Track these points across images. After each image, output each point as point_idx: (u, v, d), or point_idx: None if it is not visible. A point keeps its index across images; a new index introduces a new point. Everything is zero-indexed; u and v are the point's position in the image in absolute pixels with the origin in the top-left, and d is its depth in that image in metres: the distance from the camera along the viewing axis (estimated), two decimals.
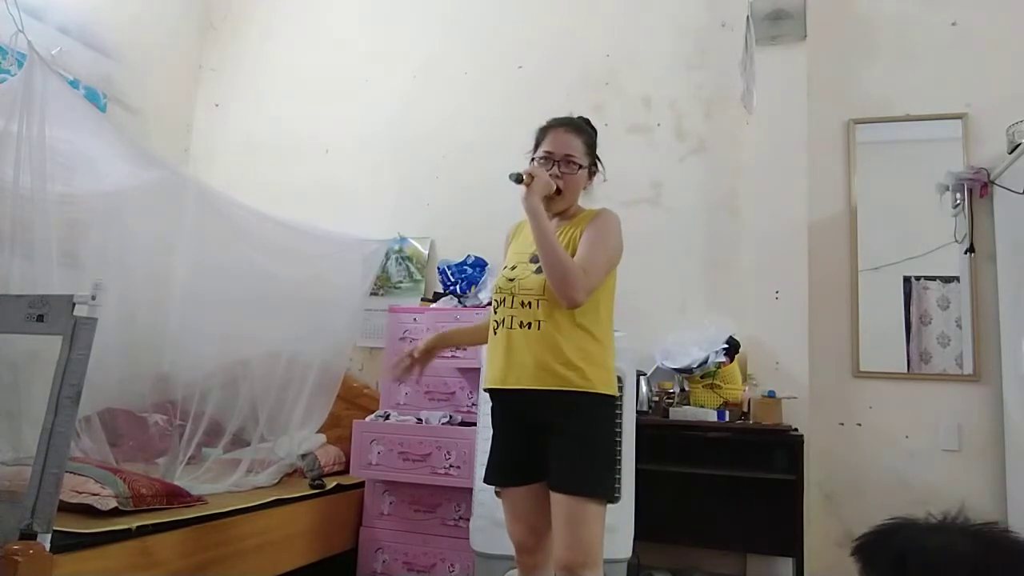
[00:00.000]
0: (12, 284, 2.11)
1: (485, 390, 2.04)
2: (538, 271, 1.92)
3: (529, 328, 1.89)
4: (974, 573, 0.80)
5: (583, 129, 2.06)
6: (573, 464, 1.85)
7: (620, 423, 2.55)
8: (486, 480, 2.06)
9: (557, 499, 1.84)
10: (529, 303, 1.91)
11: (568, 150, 1.99)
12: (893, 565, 0.85)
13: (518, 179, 1.90)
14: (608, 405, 1.94)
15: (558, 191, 1.96)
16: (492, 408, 2.06)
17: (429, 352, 2.18)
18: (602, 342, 1.94)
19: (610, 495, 1.90)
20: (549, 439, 1.89)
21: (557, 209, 2.00)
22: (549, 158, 1.99)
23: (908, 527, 0.87)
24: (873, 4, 3.42)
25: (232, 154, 4.23)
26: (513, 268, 2.00)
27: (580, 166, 2.01)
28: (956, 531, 0.85)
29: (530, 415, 1.92)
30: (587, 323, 1.90)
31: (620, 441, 2.54)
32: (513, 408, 1.96)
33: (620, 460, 2.54)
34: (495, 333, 1.98)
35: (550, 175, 1.95)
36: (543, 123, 2.08)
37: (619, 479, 2.53)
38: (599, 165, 2.09)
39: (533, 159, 2.03)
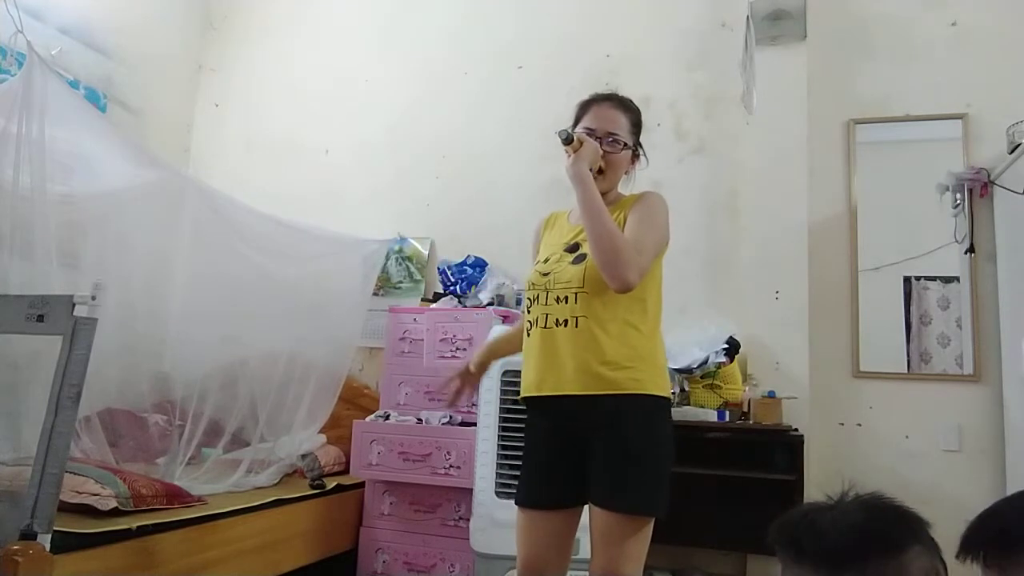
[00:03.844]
0: (12, 284, 2.11)
1: (521, 399, 1.84)
2: (575, 261, 1.75)
3: (566, 326, 1.69)
4: (862, 541, 0.84)
5: (629, 106, 1.87)
6: (618, 479, 1.65)
7: None
8: (519, 501, 1.80)
9: (599, 515, 1.66)
10: (566, 298, 1.71)
11: (612, 127, 1.80)
12: (793, 549, 0.89)
13: (567, 139, 1.72)
14: (663, 408, 1.74)
15: (599, 170, 1.77)
16: (528, 420, 1.88)
17: (481, 368, 2.00)
18: (651, 338, 1.75)
19: (660, 510, 1.67)
20: (592, 452, 1.69)
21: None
22: (591, 135, 1.78)
23: (802, 511, 0.92)
24: (873, 4, 3.42)
25: (232, 154, 4.23)
26: (546, 261, 1.81)
27: (625, 145, 1.82)
28: (847, 506, 0.89)
29: (570, 426, 1.72)
30: (633, 318, 1.71)
31: None
32: (551, 419, 1.76)
33: None
34: (528, 334, 1.78)
35: None
36: (585, 97, 1.89)
37: None
38: (642, 149, 1.90)
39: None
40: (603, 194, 1.75)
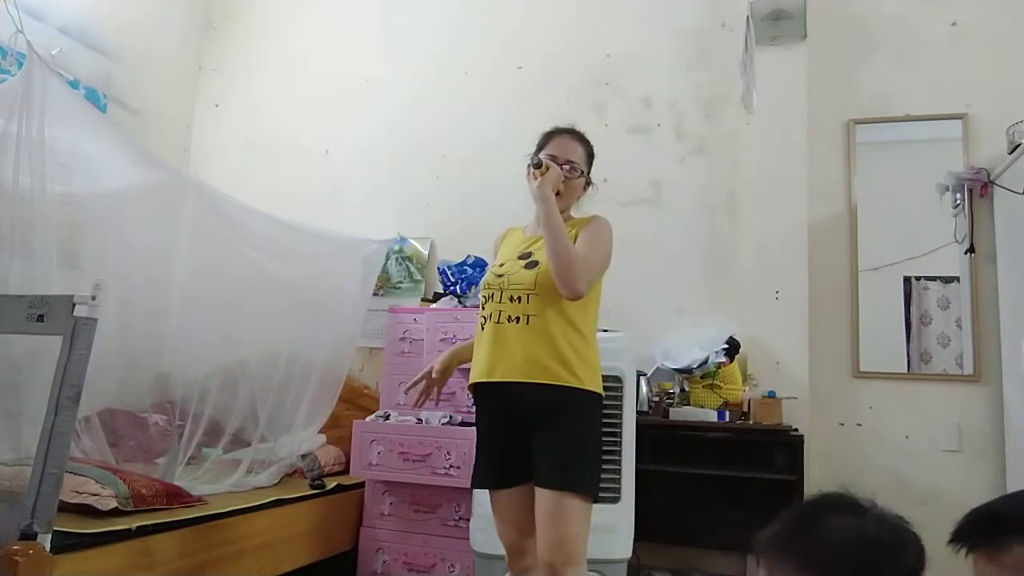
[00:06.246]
0: (12, 284, 2.11)
1: (471, 386, 2.03)
2: (528, 267, 1.97)
3: (518, 322, 1.92)
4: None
5: (585, 140, 2.13)
6: (556, 460, 1.86)
7: (620, 422, 2.55)
8: (473, 484, 2.06)
9: (540, 495, 1.86)
10: (519, 298, 1.93)
11: (571, 155, 2.06)
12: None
13: (538, 164, 1.98)
14: (595, 404, 1.96)
15: (557, 193, 1.99)
16: (477, 407, 2.06)
17: (445, 372, 2.17)
18: (590, 341, 1.97)
19: (594, 493, 1.90)
20: (534, 437, 1.90)
21: None
22: (553, 161, 2.03)
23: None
24: (873, 4, 3.42)
25: (232, 154, 4.23)
26: (501, 266, 2.05)
27: (581, 172, 2.07)
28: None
29: (516, 410, 1.93)
30: (576, 321, 1.93)
31: (620, 440, 2.54)
32: (499, 404, 1.96)
33: (620, 460, 2.54)
34: (483, 328, 2.00)
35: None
36: (548, 128, 2.14)
37: (619, 479, 2.54)
38: (591, 179, 2.16)
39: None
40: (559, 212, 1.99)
